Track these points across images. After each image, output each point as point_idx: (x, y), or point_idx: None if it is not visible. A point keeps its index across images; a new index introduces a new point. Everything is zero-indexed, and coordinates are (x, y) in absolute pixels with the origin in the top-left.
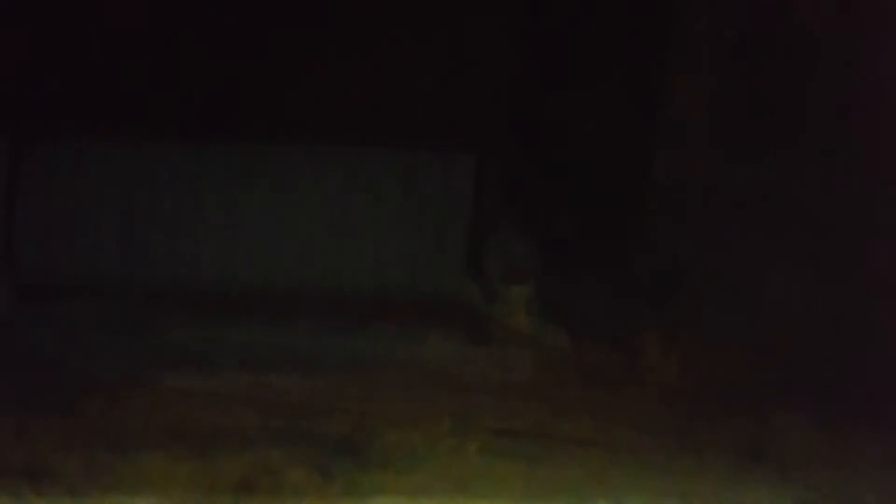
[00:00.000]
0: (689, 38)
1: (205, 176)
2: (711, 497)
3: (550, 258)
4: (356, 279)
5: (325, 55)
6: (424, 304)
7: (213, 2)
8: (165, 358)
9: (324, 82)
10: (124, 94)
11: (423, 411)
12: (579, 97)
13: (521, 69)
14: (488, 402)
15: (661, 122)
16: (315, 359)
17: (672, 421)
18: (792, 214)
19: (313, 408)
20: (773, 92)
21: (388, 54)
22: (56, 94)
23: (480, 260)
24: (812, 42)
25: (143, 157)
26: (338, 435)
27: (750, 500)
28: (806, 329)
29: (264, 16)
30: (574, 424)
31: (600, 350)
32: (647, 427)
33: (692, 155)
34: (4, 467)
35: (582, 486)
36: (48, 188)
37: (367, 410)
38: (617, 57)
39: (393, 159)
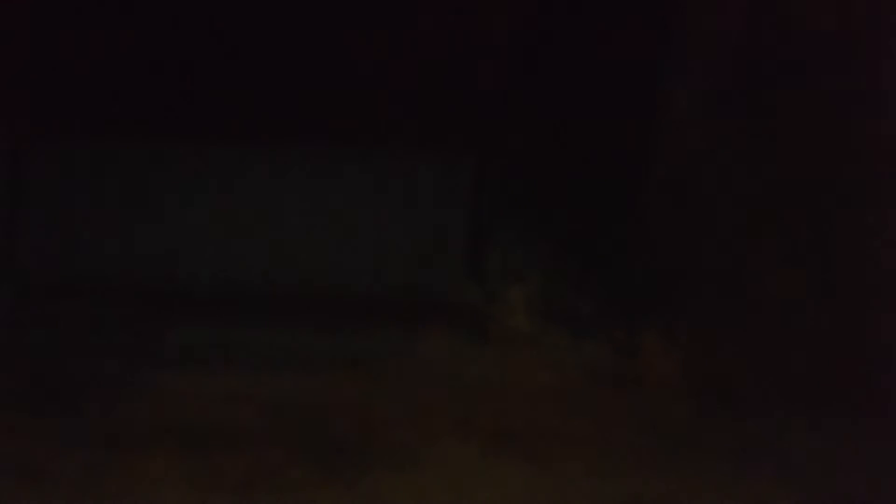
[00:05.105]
0: (689, 38)
1: (205, 176)
2: (711, 497)
3: (550, 258)
4: (356, 279)
5: (325, 55)
6: (424, 304)
7: (214, 2)
8: (165, 358)
9: (323, 82)
10: (124, 94)
11: (423, 411)
12: (579, 97)
13: (522, 69)
14: (488, 402)
15: (661, 121)
16: (315, 359)
17: (672, 421)
18: (792, 214)
19: (313, 408)
20: (773, 92)
21: (387, 54)
22: (56, 94)
23: (480, 260)
24: (812, 42)
25: (143, 157)
26: (338, 435)
27: (750, 500)
28: (806, 329)
29: (265, 16)
30: (574, 424)
31: (600, 350)
32: (647, 427)
33: (692, 155)
34: (4, 467)
35: (582, 486)
36: (48, 188)
37: (367, 410)
38: (617, 57)
39: (393, 159)
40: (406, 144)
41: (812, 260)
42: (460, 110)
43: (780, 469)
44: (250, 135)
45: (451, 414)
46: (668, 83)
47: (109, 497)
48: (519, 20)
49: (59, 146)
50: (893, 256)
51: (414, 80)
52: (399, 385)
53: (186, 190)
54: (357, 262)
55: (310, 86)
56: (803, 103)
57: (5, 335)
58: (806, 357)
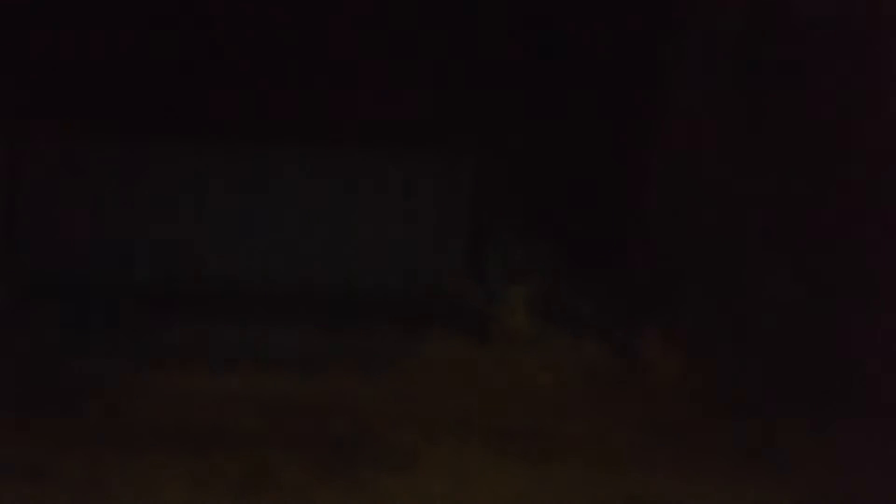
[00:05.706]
0: (689, 38)
1: (205, 176)
2: (711, 497)
3: (551, 258)
4: (356, 279)
5: (326, 55)
6: (424, 304)
7: (215, 3)
8: (165, 358)
9: (324, 83)
10: (124, 94)
11: (423, 411)
12: (580, 97)
13: (522, 69)
14: (488, 402)
15: (661, 122)
16: (315, 359)
17: (672, 421)
18: (791, 214)
19: (313, 408)
20: (773, 92)
21: (388, 54)
22: (56, 94)
23: (480, 260)
24: (812, 42)
25: (143, 157)
26: (338, 435)
27: (750, 500)
28: (806, 329)
29: (265, 17)
30: (574, 424)
31: (600, 350)
32: (647, 427)
33: (692, 155)
34: (5, 467)
35: (582, 486)
36: (48, 188)
37: (367, 410)
38: (617, 57)
39: (393, 159)
40: (406, 144)
41: (812, 260)
42: (460, 110)
43: (780, 469)
44: (250, 135)
45: (451, 414)
46: (668, 83)
47: (109, 497)
48: (520, 20)
49: (59, 146)
50: (894, 256)
51: (414, 80)
52: (399, 385)
53: (186, 190)
54: (357, 262)
55: (310, 86)
56: (803, 103)
57: (5, 335)
58: (806, 357)
